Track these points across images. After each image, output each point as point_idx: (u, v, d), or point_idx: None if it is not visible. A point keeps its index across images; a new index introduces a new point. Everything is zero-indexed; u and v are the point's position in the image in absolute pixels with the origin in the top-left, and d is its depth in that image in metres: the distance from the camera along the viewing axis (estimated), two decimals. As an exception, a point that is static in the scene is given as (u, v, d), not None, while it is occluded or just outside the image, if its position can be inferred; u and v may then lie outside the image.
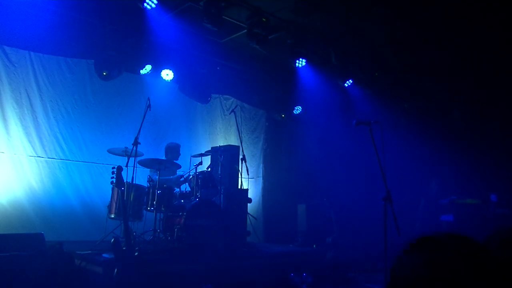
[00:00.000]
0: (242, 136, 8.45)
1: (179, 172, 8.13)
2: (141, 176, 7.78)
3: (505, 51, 7.99)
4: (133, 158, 6.91)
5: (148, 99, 7.17)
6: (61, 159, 7.78)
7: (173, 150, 8.04)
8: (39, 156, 7.53)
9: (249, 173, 8.21)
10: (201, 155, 7.94)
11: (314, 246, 8.28)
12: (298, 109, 10.45)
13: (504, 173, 8.37)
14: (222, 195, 7.87)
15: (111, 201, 6.80)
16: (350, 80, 9.58)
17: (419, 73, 9.49)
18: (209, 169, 7.81)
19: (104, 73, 7.81)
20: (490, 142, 9.06)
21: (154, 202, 6.92)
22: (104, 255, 5.57)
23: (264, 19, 7.45)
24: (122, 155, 7.14)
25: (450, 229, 7.57)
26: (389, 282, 1.00)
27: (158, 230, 6.95)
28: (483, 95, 9.20)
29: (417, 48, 8.52)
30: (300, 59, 8.41)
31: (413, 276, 0.94)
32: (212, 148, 8.85)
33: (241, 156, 8.25)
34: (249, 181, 8.87)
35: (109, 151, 7.40)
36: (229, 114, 8.61)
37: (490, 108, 9.21)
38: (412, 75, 9.60)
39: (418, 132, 9.38)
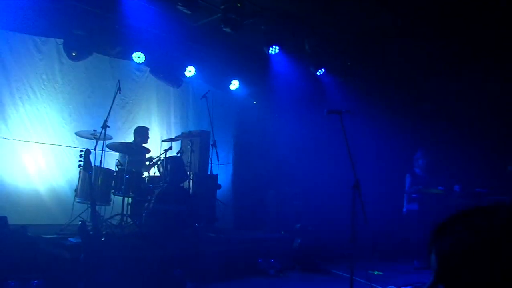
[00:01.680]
0: (213, 121, 8.40)
1: (148, 156, 8.05)
2: (109, 160, 7.67)
3: (476, 44, 8.16)
4: (102, 141, 6.81)
5: (119, 81, 7.06)
6: (26, 140, 7.57)
7: (142, 134, 7.95)
8: (3, 138, 7.31)
9: (219, 158, 8.19)
10: (172, 140, 7.88)
11: (283, 232, 8.36)
12: (270, 96, 10.46)
13: (468, 164, 8.61)
14: (191, 181, 7.85)
15: (78, 184, 6.70)
16: (322, 69, 9.63)
17: (390, 64, 9.61)
18: (179, 154, 7.76)
19: (74, 54, 7.63)
20: (457, 133, 9.29)
21: (122, 187, 6.86)
22: (70, 239, 5.49)
23: (239, 4, 7.38)
24: (91, 138, 7.02)
25: (416, 217, 7.75)
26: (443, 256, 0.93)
27: (126, 215, 6.89)
28: (452, 87, 9.39)
29: (388, 39, 8.61)
30: (274, 46, 8.39)
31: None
32: (182, 133, 8.80)
33: (211, 142, 8.22)
34: (219, 167, 8.85)
35: (77, 134, 7.28)
36: (201, 99, 8.54)
37: (459, 100, 9.42)
38: (383, 65, 9.71)
39: (388, 122, 9.53)
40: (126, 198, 6.98)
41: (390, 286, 5.97)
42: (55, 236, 5.81)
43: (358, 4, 7.50)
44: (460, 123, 9.37)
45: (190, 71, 9.14)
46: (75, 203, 6.67)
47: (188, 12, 6.97)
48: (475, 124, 9.12)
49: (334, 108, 4.97)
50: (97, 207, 5.90)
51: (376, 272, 6.87)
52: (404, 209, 7.99)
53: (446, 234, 0.95)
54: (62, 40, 7.71)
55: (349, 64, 9.84)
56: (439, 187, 7.66)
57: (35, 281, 4.75)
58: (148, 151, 7.75)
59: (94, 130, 6.94)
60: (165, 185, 6.89)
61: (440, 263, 0.94)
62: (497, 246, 0.87)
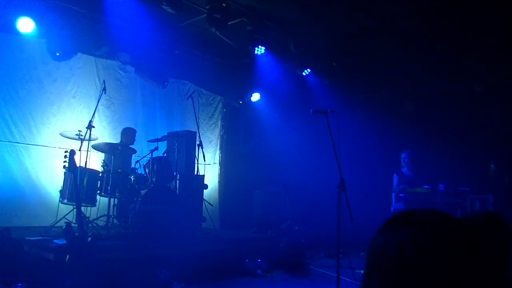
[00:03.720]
0: (199, 122, 8.38)
1: (134, 157, 8.00)
2: (95, 161, 7.62)
3: (458, 45, 8.26)
4: (87, 142, 6.76)
5: (104, 82, 7.02)
6: (9, 141, 7.48)
7: (128, 135, 7.91)
8: (-14, 138, 7.22)
9: (205, 159, 8.17)
10: (157, 140, 7.84)
11: (269, 232, 8.38)
12: (256, 97, 10.48)
13: (452, 163, 8.72)
14: (178, 181, 7.82)
15: (63, 185, 6.64)
16: (308, 69, 9.66)
17: (375, 64, 9.69)
18: (165, 155, 7.73)
19: (57, 53, 7.54)
20: (441, 133, 9.40)
21: (108, 187, 6.81)
22: (55, 241, 5.43)
23: (224, 4, 7.37)
24: (76, 139, 6.96)
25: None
26: (371, 259, 0.98)
27: (112, 216, 6.85)
28: (435, 88, 9.51)
29: (373, 40, 8.68)
30: (259, 46, 8.38)
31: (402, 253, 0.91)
32: (168, 133, 8.75)
33: (197, 142, 8.19)
34: (205, 167, 8.83)
35: (62, 135, 7.19)
36: (187, 99, 8.51)
37: (443, 100, 9.53)
38: (368, 66, 9.79)
39: (374, 122, 9.61)
40: (112, 199, 6.94)
41: (376, 285, 6.00)
42: (39, 238, 5.75)
43: (343, 5, 7.54)
44: (445, 123, 9.49)
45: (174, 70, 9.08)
46: (60, 204, 6.62)
47: (173, 12, 6.95)
48: (459, 123, 9.24)
49: (319, 108, 5.00)
50: (82, 208, 5.86)
51: (362, 271, 6.92)
52: (392, 208, 8.06)
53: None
54: (45, 39, 7.62)
55: (334, 64, 9.90)
56: (425, 186, 7.74)
57: (19, 284, 4.69)
58: (134, 151, 7.71)
59: (79, 131, 6.88)
60: (151, 185, 6.86)
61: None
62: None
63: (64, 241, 5.03)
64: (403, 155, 8.20)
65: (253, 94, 10.43)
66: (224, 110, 10.86)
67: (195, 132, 8.36)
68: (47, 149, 7.87)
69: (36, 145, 7.77)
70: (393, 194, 8.12)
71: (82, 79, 8.41)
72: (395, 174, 8.17)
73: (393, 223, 0.99)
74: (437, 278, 0.86)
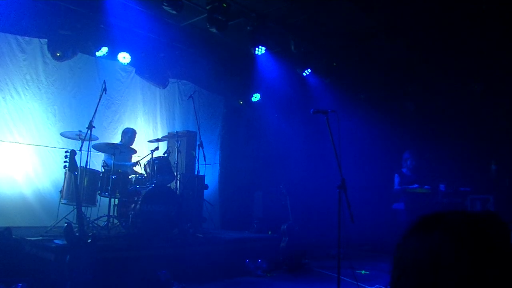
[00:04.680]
0: (200, 122, 8.37)
1: (134, 157, 8.00)
2: (95, 161, 7.61)
3: (459, 44, 8.25)
4: (87, 142, 6.76)
5: (104, 82, 7.01)
6: (10, 142, 7.48)
7: (129, 135, 7.92)
8: (-13, 138, 7.22)
9: (206, 159, 8.17)
10: (158, 140, 7.85)
11: (270, 232, 8.38)
12: (256, 97, 10.48)
13: (453, 164, 8.71)
14: (178, 181, 7.83)
15: (63, 186, 6.64)
16: (308, 69, 9.65)
17: (375, 64, 9.68)
18: (166, 155, 7.73)
19: (58, 54, 7.54)
20: (441, 133, 9.39)
21: (109, 187, 6.81)
22: (56, 241, 5.42)
23: (224, 5, 7.37)
24: (76, 139, 6.96)
25: (401, 216, 7.83)
26: (401, 262, 0.96)
27: (113, 216, 6.84)
28: (435, 87, 9.50)
29: (373, 40, 8.68)
30: (260, 46, 8.38)
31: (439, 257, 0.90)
32: (169, 133, 8.76)
33: (198, 142, 8.19)
34: (206, 168, 8.82)
35: (62, 135, 7.20)
36: (187, 99, 8.52)
37: (443, 100, 9.52)
38: (368, 66, 9.78)
39: (374, 122, 9.60)
40: (112, 199, 6.93)
41: (377, 285, 6.01)
42: (40, 238, 5.74)
43: (343, 5, 7.54)
44: (445, 123, 9.47)
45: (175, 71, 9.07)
46: (60, 204, 6.61)
47: (174, 12, 6.94)
48: (459, 123, 9.23)
49: (320, 108, 4.99)
50: (83, 208, 5.86)
51: (363, 272, 6.92)
52: (392, 208, 8.07)
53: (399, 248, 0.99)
54: (46, 40, 7.61)
55: (335, 64, 9.89)
56: (425, 187, 7.74)
57: (20, 284, 4.69)
58: (135, 151, 7.71)
59: (79, 131, 6.88)
60: (152, 185, 6.86)
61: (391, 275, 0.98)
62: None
63: (65, 241, 5.03)
64: (404, 155, 8.20)
65: (253, 94, 10.44)
66: (225, 110, 10.85)
67: (196, 132, 8.36)
68: (47, 149, 7.87)
69: (37, 145, 7.76)
70: (393, 194, 8.12)
71: (83, 79, 8.41)
72: (395, 174, 8.17)
73: (421, 226, 0.98)
74: (475, 281, 0.86)
